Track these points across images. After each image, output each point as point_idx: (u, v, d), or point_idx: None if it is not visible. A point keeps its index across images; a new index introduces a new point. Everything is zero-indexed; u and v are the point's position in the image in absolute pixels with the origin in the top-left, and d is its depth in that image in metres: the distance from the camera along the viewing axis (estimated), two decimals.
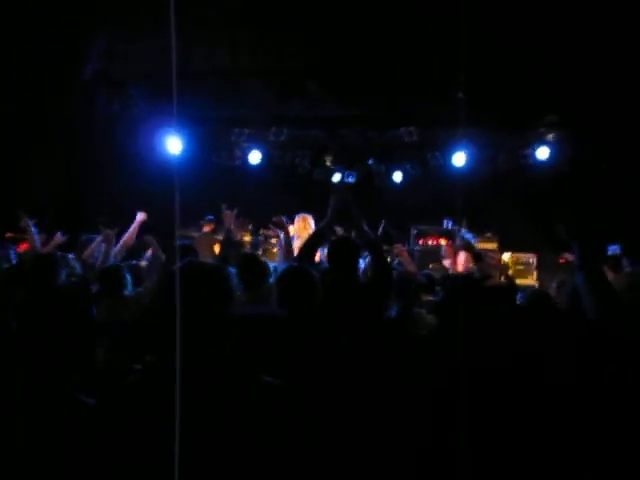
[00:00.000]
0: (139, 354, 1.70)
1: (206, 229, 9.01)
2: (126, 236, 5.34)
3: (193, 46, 6.65)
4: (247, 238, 10.12)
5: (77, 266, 4.81)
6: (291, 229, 6.82)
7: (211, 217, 9.05)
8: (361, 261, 6.67)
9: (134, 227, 5.51)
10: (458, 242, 8.39)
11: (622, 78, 6.91)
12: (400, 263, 6.32)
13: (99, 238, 5.16)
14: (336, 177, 10.43)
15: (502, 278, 6.69)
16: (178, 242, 3.65)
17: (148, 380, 1.44)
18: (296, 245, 6.38)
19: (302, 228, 6.86)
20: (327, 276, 3.61)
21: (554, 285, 4.42)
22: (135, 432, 1.37)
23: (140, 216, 5.62)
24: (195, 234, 9.01)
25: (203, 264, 1.55)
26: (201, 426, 1.32)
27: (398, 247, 5.95)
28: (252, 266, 3.90)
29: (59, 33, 6.41)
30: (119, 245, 5.28)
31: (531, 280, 9.37)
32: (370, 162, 10.29)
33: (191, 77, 6.40)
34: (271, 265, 4.96)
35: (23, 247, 6.01)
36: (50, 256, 4.08)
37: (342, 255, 3.52)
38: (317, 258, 7.09)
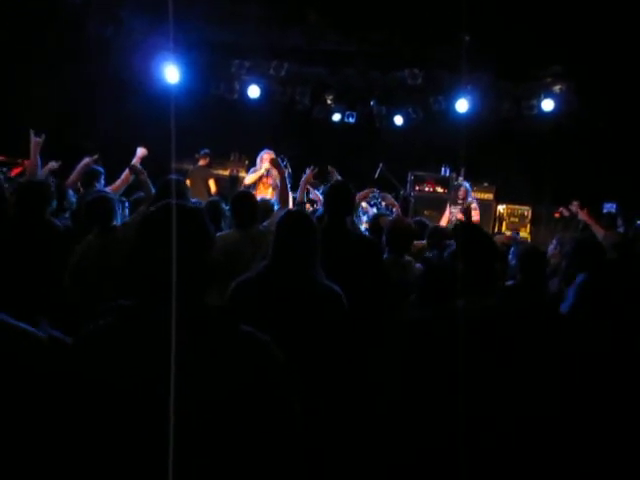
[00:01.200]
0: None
1: (201, 163, 8.89)
2: (126, 172, 5.25)
3: None
4: (243, 174, 10.04)
5: (72, 197, 4.77)
6: (264, 167, 7.02)
7: (206, 151, 8.91)
8: (362, 214, 6.64)
9: (135, 162, 5.40)
10: (453, 190, 8.37)
11: (629, 33, 6.72)
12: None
13: (82, 162, 5.10)
14: (336, 117, 10.25)
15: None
16: (171, 176, 3.56)
17: (126, 325, 1.37)
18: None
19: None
20: (321, 222, 3.60)
21: (554, 243, 4.38)
22: (118, 381, 1.30)
23: (140, 151, 5.47)
24: (190, 167, 8.89)
25: (182, 206, 1.47)
26: (186, 379, 1.27)
27: (388, 198, 5.87)
28: (243, 204, 3.84)
29: None
30: (119, 180, 5.19)
31: (524, 233, 9.41)
32: (372, 103, 10.08)
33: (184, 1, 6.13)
34: (272, 201, 4.93)
35: (15, 172, 5.92)
36: (42, 185, 3.97)
37: (337, 200, 3.44)
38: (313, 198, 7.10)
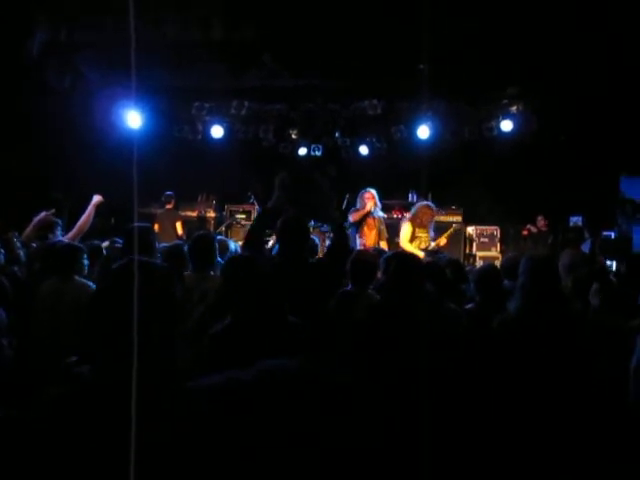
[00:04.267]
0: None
1: (168, 206, 8.83)
2: (82, 220, 5.14)
3: (142, 17, 6.37)
4: (211, 214, 9.99)
5: (21, 253, 4.63)
6: (368, 205, 6.74)
7: (170, 193, 8.85)
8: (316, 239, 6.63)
9: (89, 210, 5.31)
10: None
11: (583, 49, 6.94)
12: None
13: (37, 218, 5.01)
14: (302, 151, 10.31)
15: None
16: (135, 225, 3.50)
17: (84, 391, 1.28)
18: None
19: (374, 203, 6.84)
20: (276, 257, 3.66)
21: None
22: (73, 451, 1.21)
23: (96, 198, 5.40)
24: (157, 211, 8.82)
25: (146, 264, 1.42)
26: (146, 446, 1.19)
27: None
28: (199, 247, 3.80)
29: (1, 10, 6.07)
30: (74, 229, 5.11)
31: (495, 252, 9.51)
32: (336, 135, 10.20)
33: (142, 49, 6.14)
34: (232, 244, 4.88)
35: None
36: None
37: (290, 234, 3.51)
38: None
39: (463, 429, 2.37)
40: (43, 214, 5.08)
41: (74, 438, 1.22)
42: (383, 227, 6.95)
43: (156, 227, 7.81)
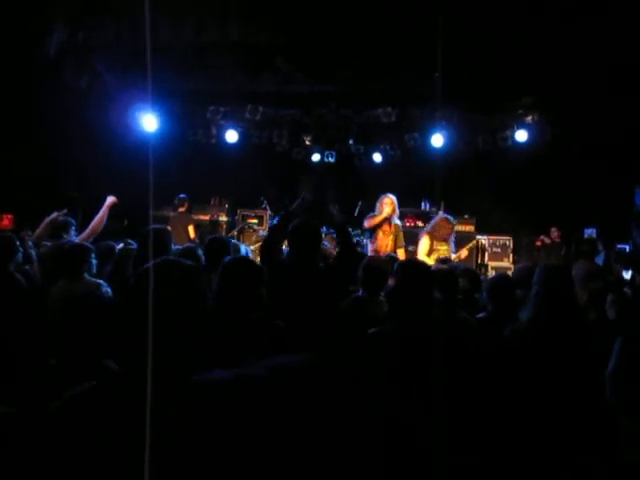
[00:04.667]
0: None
1: (181, 209, 8.86)
2: (95, 221, 5.16)
3: (158, 19, 6.42)
4: (224, 218, 10.02)
5: (33, 252, 4.67)
6: (385, 211, 6.50)
7: (184, 196, 8.88)
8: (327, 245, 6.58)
9: (103, 211, 5.32)
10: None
11: (598, 61, 6.91)
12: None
13: (49, 218, 5.04)
14: (315, 157, 10.33)
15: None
16: (152, 226, 3.52)
17: (110, 390, 1.31)
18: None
19: (392, 209, 6.56)
20: (288, 259, 3.71)
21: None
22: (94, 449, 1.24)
23: (110, 200, 5.42)
24: (170, 214, 8.85)
25: (177, 264, 1.44)
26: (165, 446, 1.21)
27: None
28: (215, 248, 3.84)
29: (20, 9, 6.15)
30: (88, 230, 5.13)
31: (507, 262, 9.46)
32: (350, 142, 10.21)
33: (158, 51, 6.20)
34: (243, 248, 4.90)
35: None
36: (4, 238, 3.90)
37: (301, 239, 3.54)
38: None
39: (471, 436, 2.36)
40: (55, 214, 5.12)
41: (107, 429, 1.26)
42: (400, 234, 6.68)
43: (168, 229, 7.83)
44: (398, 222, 6.76)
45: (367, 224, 6.65)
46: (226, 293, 2.56)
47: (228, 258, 2.81)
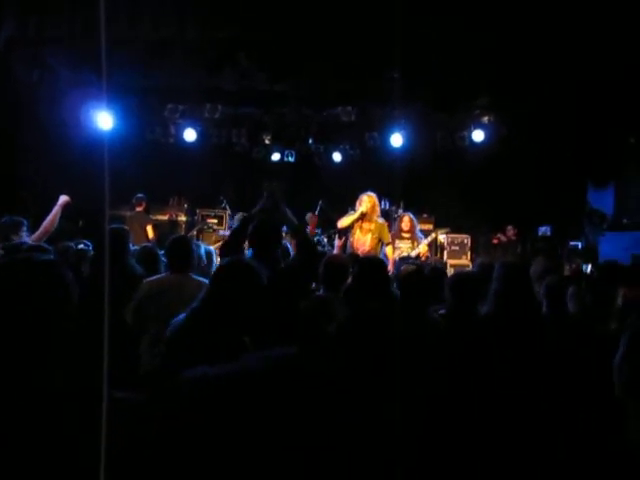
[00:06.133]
0: None
1: (138, 209, 8.69)
2: (47, 221, 5.00)
3: (115, 13, 6.27)
4: (182, 218, 9.89)
5: None
6: (360, 209, 6.34)
7: (141, 195, 8.71)
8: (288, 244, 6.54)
9: (56, 210, 5.15)
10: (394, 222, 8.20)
11: (552, 61, 7.07)
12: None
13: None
14: (275, 156, 10.28)
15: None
16: (110, 226, 3.45)
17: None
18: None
19: (370, 207, 6.39)
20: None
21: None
22: None
23: (62, 199, 5.26)
24: (127, 214, 8.68)
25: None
26: None
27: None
28: (177, 248, 3.78)
29: None
30: (40, 230, 4.96)
31: (465, 260, 9.60)
32: (310, 141, 10.20)
33: (113, 46, 6.04)
34: (203, 247, 4.83)
35: None
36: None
37: (264, 239, 3.55)
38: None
39: (427, 430, 2.38)
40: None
41: None
42: (385, 232, 6.48)
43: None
44: (381, 220, 6.56)
45: (339, 224, 6.58)
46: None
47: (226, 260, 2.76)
